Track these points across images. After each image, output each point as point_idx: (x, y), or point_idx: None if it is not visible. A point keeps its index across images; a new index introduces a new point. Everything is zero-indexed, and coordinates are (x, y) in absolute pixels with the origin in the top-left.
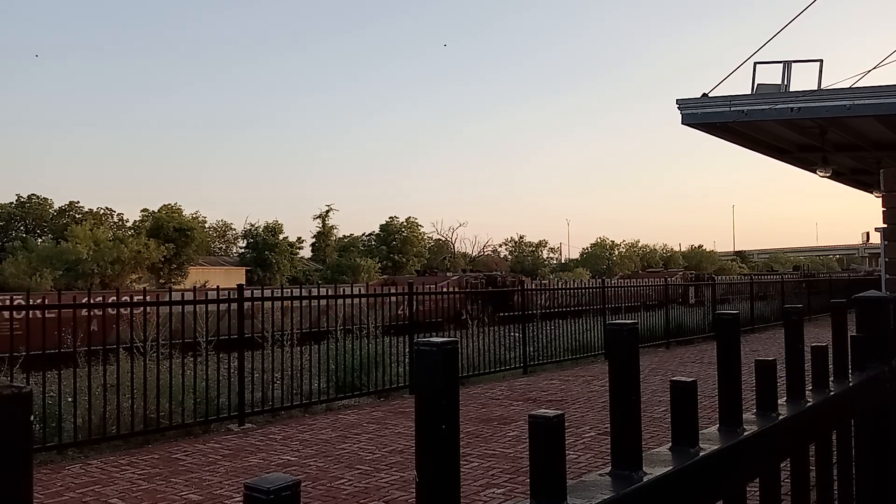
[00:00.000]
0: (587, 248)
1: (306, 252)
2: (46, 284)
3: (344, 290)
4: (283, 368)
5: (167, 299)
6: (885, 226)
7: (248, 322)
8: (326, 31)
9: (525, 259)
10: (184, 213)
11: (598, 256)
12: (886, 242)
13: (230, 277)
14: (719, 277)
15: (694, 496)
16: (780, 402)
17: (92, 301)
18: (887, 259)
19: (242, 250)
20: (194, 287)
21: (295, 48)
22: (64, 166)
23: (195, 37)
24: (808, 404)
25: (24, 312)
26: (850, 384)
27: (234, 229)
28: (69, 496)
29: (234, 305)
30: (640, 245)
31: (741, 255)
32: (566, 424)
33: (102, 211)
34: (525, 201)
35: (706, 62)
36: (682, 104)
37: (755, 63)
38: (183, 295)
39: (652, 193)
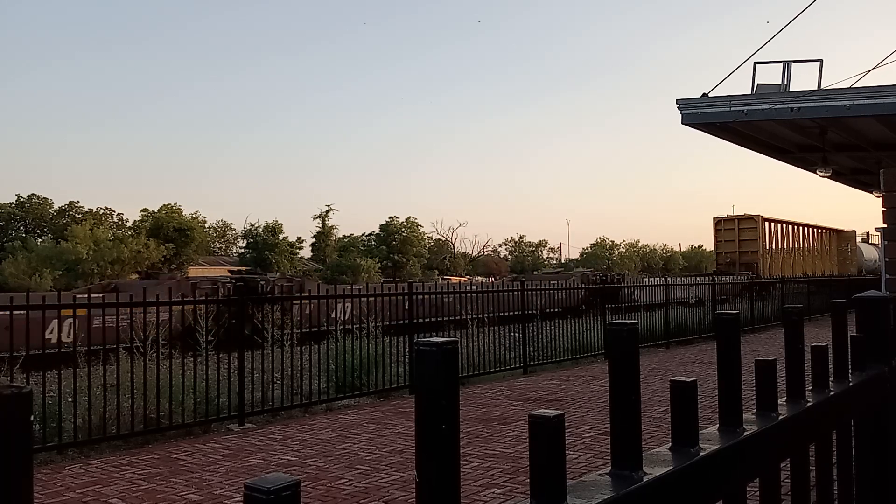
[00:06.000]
0: (587, 248)
1: (306, 252)
2: (46, 284)
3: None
4: (283, 368)
5: (167, 299)
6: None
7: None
8: (327, 31)
9: (525, 259)
10: (184, 213)
11: (598, 256)
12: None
13: None
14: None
15: (694, 496)
16: (780, 402)
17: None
18: (887, 259)
19: (242, 250)
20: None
21: (295, 48)
22: (64, 166)
23: (196, 37)
24: (808, 404)
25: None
26: (850, 384)
27: (234, 229)
28: (69, 496)
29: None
30: (640, 245)
31: None
32: (566, 424)
33: (102, 211)
34: (525, 201)
35: (706, 62)
36: (682, 104)
37: (755, 63)
38: (183, 296)
39: (652, 193)
